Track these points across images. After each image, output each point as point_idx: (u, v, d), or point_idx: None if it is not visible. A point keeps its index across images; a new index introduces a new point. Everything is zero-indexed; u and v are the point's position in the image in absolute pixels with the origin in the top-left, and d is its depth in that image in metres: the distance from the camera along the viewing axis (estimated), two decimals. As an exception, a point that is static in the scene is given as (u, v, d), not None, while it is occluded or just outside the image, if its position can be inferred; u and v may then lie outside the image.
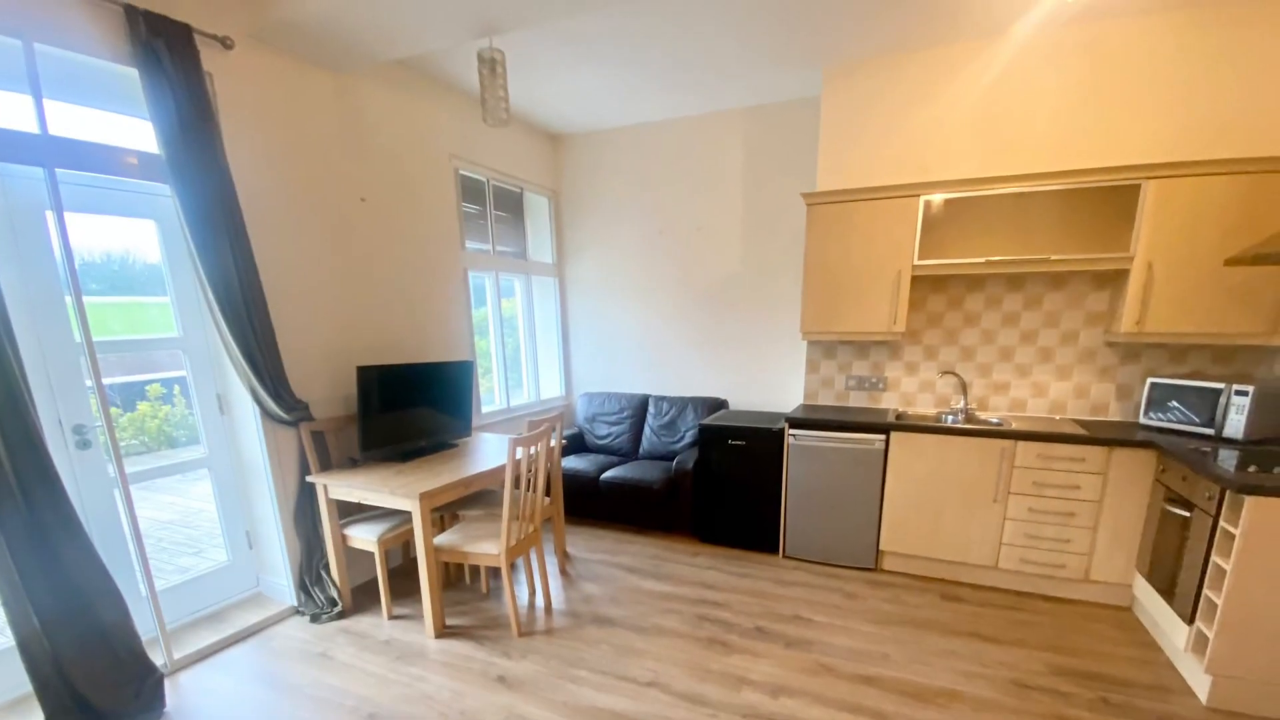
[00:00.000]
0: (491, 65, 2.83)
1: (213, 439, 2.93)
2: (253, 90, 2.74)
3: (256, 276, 2.69)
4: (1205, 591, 2.32)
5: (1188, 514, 2.47)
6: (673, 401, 4.55)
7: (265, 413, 2.83)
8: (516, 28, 2.71)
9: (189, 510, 3.52)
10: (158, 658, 2.48)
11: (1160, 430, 2.97)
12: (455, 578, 3.44)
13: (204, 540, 3.28)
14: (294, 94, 2.91)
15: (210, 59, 2.54)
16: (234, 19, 2.63)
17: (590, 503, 4.18)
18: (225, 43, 2.58)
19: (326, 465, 3.05)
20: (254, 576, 3.15)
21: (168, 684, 2.44)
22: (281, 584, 3.07)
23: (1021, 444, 3.01)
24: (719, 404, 4.44)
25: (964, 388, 3.54)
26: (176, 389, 2.90)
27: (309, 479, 2.95)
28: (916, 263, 3.26)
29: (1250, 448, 2.62)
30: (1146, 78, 2.94)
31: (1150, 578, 2.74)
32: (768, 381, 4.41)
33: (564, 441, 4.20)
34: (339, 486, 2.87)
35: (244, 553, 3.09)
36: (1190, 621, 2.38)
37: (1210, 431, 2.80)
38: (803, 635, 2.81)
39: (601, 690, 2.42)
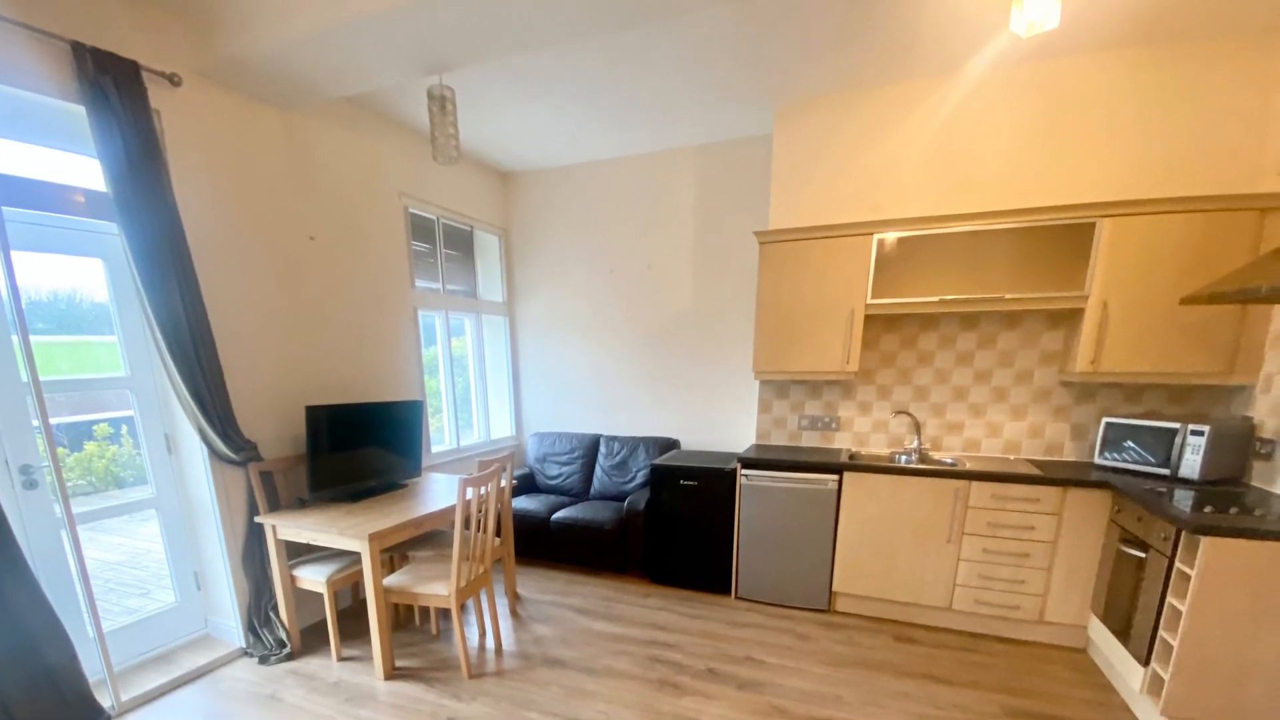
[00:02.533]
0: (441, 102, 3.06)
1: (160, 479, 3.17)
2: (201, 128, 2.97)
3: (204, 315, 2.92)
4: (1161, 633, 2.52)
5: (1143, 555, 2.68)
6: (624, 441, 4.81)
7: (213, 453, 3.07)
8: (465, 64, 2.94)
9: (136, 551, 3.74)
10: (105, 700, 2.67)
11: (1115, 470, 3.20)
12: (405, 619, 3.69)
13: (152, 581, 3.51)
14: (242, 131, 3.15)
15: (158, 96, 2.76)
16: (182, 56, 2.85)
17: (541, 543, 4.45)
18: (173, 80, 2.80)
19: (275, 506, 3.30)
20: (202, 618, 3.38)
21: (114, 727, 2.66)
22: (230, 625, 3.31)
23: (975, 484, 3.25)
24: (671, 444, 4.72)
25: (917, 427, 3.79)
26: (124, 429, 3.14)
27: (257, 520, 3.19)
28: (870, 301, 3.52)
29: (1206, 488, 2.84)
30: (1101, 115, 3.18)
31: (1105, 619, 2.96)
32: (720, 421, 4.68)
33: (514, 482, 4.46)
34: (288, 527, 3.11)
35: (192, 594, 3.33)
36: (1145, 663, 2.59)
37: (1166, 472, 3.02)
38: (755, 677, 3.04)
39: (550, 733, 2.65)
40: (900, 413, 3.86)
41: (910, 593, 3.48)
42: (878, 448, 3.99)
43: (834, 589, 3.66)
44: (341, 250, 3.73)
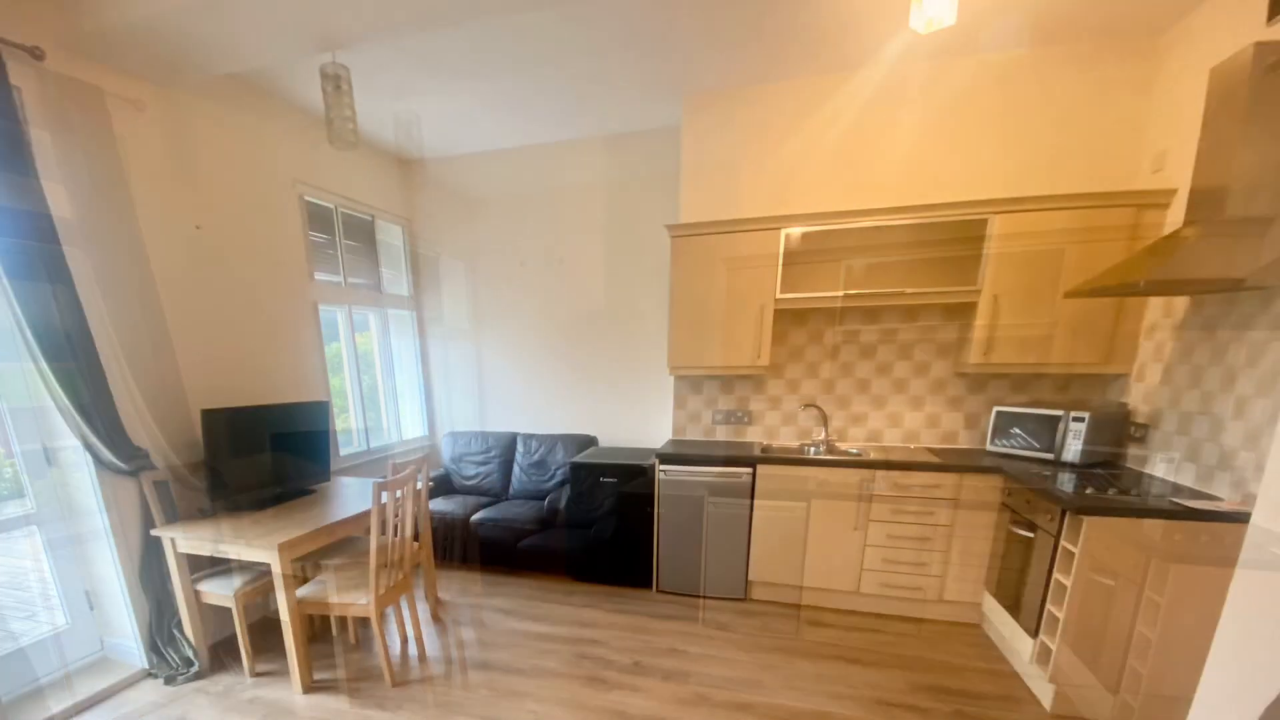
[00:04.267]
0: (336, 82, 3.01)
1: (40, 492, 3.03)
2: (69, 106, 2.79)
3: (82, 316, 2.81)
4: (1048, 607, 2.80)
5: (1031, 535, 2.98)
6: (542, 439, 4.92)
7: (100, 462, 2.98)
8: (359, 41, 2.89)
9: (17, 570, 3.57)
10: (-6, 731, 2.62)
11: (1006, 456, 3.54)
12: (322, 629, 3.68)
13: (37, 602, 3.36)
14: (114, 110, 2.97)
15: (18, 71, 2.60)
16: (45, 27, 2.68)
17: (462, 546, 4.49)
18: (34, 53, 2.63)
19: (173, 517, 3.22)
20: (98, 639, 3.29)
21: (6, 759, 2.61)
22: (129, 646, 3.23)
23: (879, 473, 3.53)
24: (589, 441, 4.84)
25: (825, 420, 4.06)
26: (-7, 439, 2.99)
27: (154, 533, 3.12)
28: (779, 296, 3.72)
29: (1087, 471, 3.17)
30: (995, 114, 3.44)
31: (998, 595, 3.30)
32: (636, 417, 4.85)
33: (431, 483, 4.47)
34: (188, 540, 3.06)
35: (84, 614, 3.22)
36: (1035, 635, 2.88)
37: (1051, 456, 3.36)
38: (679, 667, 3.24)
39: (481, 736, 2.75)
40: (809, 405, 4.10)
41: (821, 579, 3.76)
42: (788, 440, 4.23)
43: (750, 578, 3.91)
44: (232, 240, 3.61)
